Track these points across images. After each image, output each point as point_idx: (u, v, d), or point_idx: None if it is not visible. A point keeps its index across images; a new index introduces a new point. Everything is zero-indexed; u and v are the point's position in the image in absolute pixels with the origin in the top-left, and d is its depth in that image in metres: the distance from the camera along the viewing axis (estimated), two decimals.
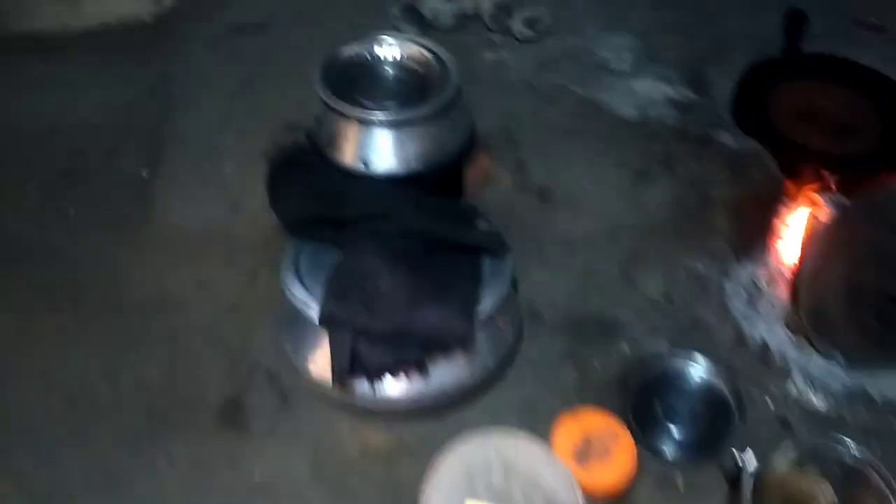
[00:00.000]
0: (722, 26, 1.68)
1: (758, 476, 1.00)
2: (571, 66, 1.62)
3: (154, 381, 1.27)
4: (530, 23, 1.66)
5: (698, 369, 1.28)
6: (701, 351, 1.30)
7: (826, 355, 1.32)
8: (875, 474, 1.03)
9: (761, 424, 1.21)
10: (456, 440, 1.05)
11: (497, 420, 1.14)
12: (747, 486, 0.99)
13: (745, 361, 1.32)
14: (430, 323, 1.15)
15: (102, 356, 1.31)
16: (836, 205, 1.34)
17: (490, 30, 1.70)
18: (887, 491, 1.00)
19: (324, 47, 1.55)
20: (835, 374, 1.30)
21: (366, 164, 1.35)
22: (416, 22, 1.68)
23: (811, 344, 1.33)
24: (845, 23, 1.65)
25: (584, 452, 1.07)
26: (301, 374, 1.25)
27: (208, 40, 1.70)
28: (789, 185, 1.39)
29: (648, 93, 1.55)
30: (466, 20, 1.72)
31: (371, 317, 1.15)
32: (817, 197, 1.39)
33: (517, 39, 1.67)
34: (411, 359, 1.15)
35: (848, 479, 1.04)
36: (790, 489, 1.02)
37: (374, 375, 1.15)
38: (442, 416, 1.21)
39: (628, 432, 1.11)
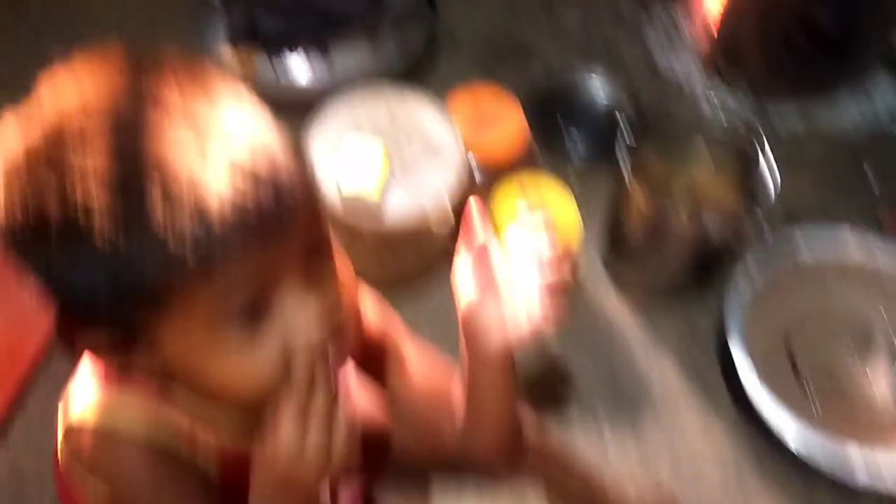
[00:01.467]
0: None
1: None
2: None
3: None
4: None
5: (601, 86, 1.30)
6: (608, 70, 1.31)
7: (734, 84, 1.34)
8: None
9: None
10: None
11: None
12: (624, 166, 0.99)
13: (655, 88, 1.34)
14: None
15: None
16: None
17: None
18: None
19: None
20: (740, 100, 1.32)
21: None
22: None
23: (721, 74, 1.35)
24: None
25: (475, 117, 1.08)
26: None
27: None
28: None
29: None
30: None
31: None
32: None
33: None
34: (311, 33, 1.15)
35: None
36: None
37: (272, 47, 1.15)
38: None
39: (521, 109, 1.12)
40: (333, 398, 0.48)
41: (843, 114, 1.33)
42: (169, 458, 0.54)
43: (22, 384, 0.88)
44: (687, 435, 1.02)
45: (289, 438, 0.48)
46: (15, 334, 0.91)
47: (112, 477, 0.54)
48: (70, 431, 0.55)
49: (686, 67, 1.37)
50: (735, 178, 1.03)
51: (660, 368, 1.07)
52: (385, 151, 0.96)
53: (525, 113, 1.17)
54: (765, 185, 0.97)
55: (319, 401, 0.48)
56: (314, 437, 0.48)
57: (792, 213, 1.15)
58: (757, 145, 1.00)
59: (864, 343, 1.04)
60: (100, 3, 1.40)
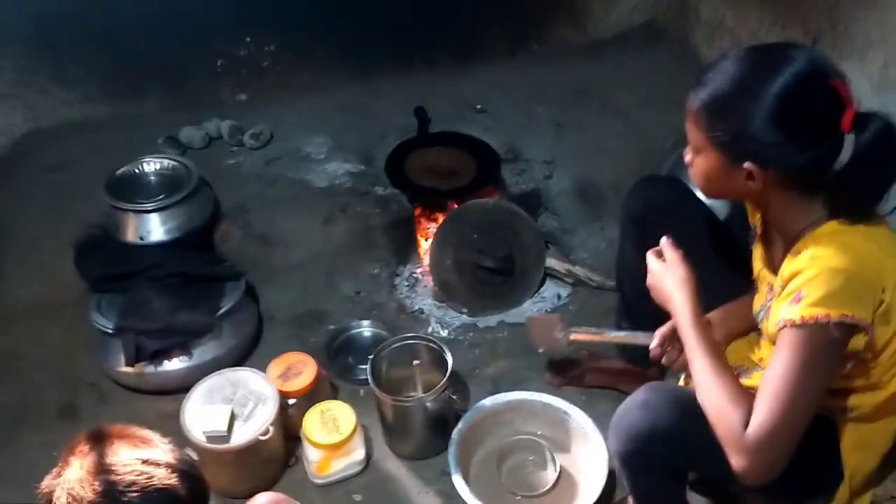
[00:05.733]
0: (382, 122, 2.55)
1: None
2: (287, 161, 2.43)
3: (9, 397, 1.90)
4: (255, 136, 2.47)
5: (372, 329, 2.06)
6: (375, 319, 2.07)
7: (455, 309, 2.12)
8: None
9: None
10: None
11: None
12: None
13: (405, 320, 2.10)
14: (184, 321, 1.86)
15: None
16: (445, 217, 2.17)
17: (229, 144, 2.49)
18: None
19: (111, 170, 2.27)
20: (458, 317, 2.10)
21: (143, 238, 2.07)
22: (177, 146, 2.44)
23: (446, 304, 2.14)
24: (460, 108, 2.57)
25: (285, 374, 1.78)
26: (111, 375, 1.91)
27: (29, 178, 2.39)
28: (418, 212, 2.22)
29: (335, 170, 2.38)
30: (213, 140, 2.50)
31: (147, 323, 1.85)
32: (435, 215, 2.23)
33: (248, 148, 2.47)
34: (176, 344, 1.86)
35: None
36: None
37: (153, 358, 1.84)
38: None
39: (315, 364, 1.83)
40: None
41: (522, 311, 2.14)
42: None
43: None
44: None
45: None
46: None
47: None
48: None
49: (426, 304, 2.16)
50: (440, 373, 1.76)
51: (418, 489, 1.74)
52: (231, 410, 1.64)
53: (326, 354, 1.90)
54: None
55: None
56: None
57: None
58: (448, 355, 1.75)
59: (537, 452, 1.76)
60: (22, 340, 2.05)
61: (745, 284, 1.47)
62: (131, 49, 2.49)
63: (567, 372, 1.92)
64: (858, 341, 1.17)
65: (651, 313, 1.45)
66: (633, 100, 2.63)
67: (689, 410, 1.27)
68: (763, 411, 1.15)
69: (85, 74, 2.48)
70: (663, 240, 1.40)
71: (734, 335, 1.52)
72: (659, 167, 2.31)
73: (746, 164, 1.19)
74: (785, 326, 1.16)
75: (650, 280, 1.41)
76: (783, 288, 1.21)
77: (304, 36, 2.61)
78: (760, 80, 1.16)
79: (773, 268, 1.33)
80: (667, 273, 1.37)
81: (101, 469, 1.03)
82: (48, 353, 2.01)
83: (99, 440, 1.08)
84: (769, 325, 1.27)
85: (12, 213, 2.32)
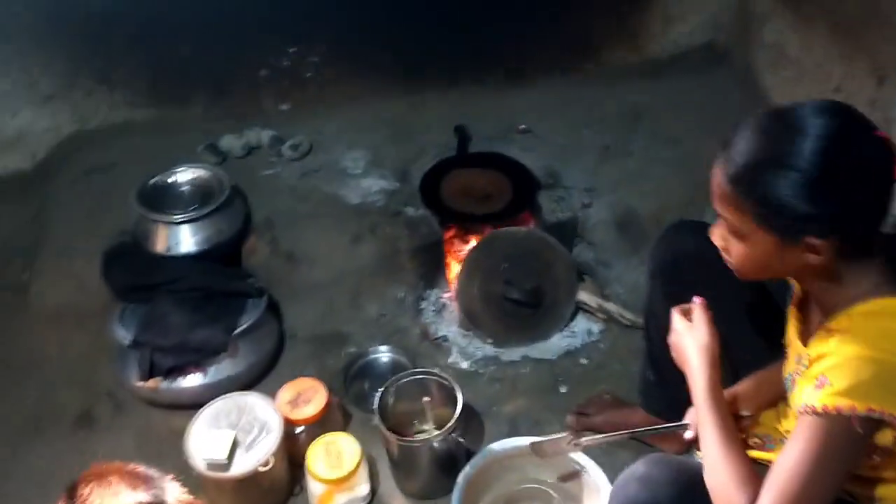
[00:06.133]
0: (423, 138, 2.49)
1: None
2: (323, 174, 2.40)
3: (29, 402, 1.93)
4: (294, 147, 2.44)
5: (390, 356, 2.01)
6: (396, 345, 2.02)
7: (480, 338, 2.05)
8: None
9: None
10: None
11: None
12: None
13: (427, 348, 2.04)
14: (199, 339, 1.84)
15: None
16: (474, 244, 2.10)
17: (269, 154, 2.47)
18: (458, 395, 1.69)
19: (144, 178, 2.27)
20: (482, 348, 2.03)
21: (170, 249, 2.06)
22: (216, 154, 2.44)
23: (471, 332, 2.07)
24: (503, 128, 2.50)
25: (295, 401, 1.75)
26: (127, 387, 1.91)
27: (71, 179, 2.42)
28: (448, 235, 2.16)
29: (370, 186, 2.34)
30: (252, 149, 2.49)
31: (163, 339, 1.84)
32: (466, 240, 2.16)
33: (287, 159, 2.45)
34: (191, 361, 1.84)
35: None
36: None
37: (168, 375, 1.83)
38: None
39: (326, 392, 1.78)
40: None
41: (549, 345, 2.05)
42: None
43: None
44: None
45: None
46: None
47: None
48: None
49: (451, 332, 2.09)
50: (452, 409, 1.70)
51: None
52: (234, 436, 1.62)
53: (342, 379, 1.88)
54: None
55: None
56: None
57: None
58: (459, 394, 1.69)
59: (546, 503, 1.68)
60: (48, 345, 2.08)
61: (779, 346, 1.36)
62: (177, 55, 2.49)
63: (590, 418, 1.83)
64: (886, 437, 1.05)
65: (677, 366, 1.35)
66: (685, 126, 2.49)
67: (690, 488, 1.18)
68: (768, 502, 1.05)
69: (130, 78, 2.50)
70: (695, 299, 1.31)
71: (765, 405, 1.41)
72: (706, 200, 2.19)
73: (809, 239, 1.06)
74: (805, 412, 1.05)
75: (672, 338, 1.32)
76: (809, 366, 1.11)
77: (348, 48, 2.57)
78: (796, 145, 1.04)
79: (806, 337, 1.21)
80: (689, 335, 1.28)
81: None
82: (71, 360, 2.03)
83: (99, 480, 1.06)
84: (794, 399, 1.17)
85: (51, 215, 2.36)
